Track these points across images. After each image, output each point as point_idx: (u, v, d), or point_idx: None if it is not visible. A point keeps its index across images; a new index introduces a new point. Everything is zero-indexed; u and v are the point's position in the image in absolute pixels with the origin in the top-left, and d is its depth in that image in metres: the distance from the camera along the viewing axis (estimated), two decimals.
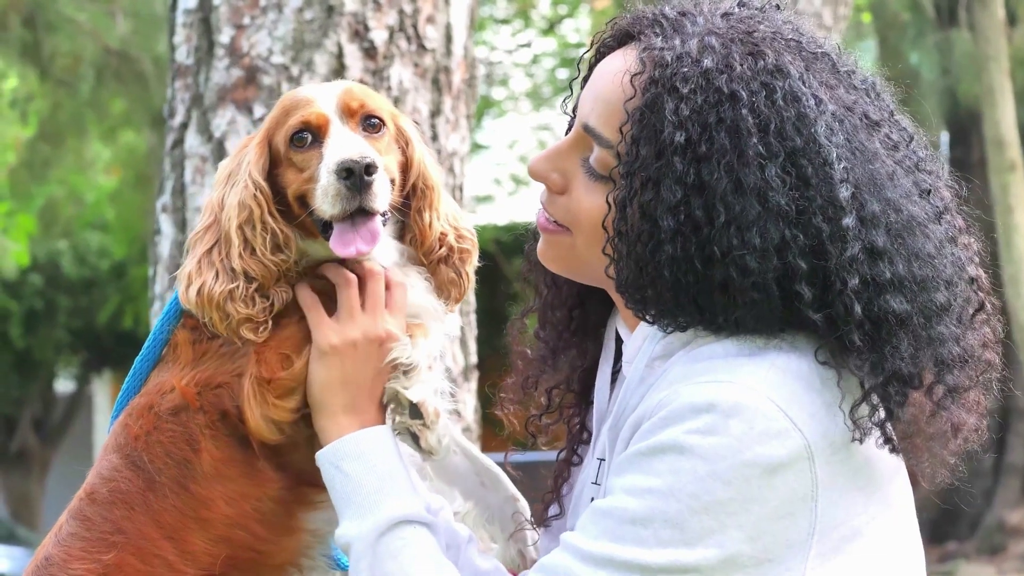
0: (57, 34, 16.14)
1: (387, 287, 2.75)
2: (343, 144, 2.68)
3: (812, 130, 2.38)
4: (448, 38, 5.27)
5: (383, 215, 2.70)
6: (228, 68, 5.12)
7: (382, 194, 2.67)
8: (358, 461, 2.58)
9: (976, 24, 16.83)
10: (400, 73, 5.12)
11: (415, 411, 2.66)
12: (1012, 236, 15.61)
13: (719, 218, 2.36)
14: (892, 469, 2.47)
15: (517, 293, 2.93)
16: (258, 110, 5.04)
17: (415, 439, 2.66)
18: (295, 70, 5.05)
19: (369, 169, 2.63)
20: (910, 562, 2.51)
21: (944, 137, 19.93)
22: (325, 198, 2.66)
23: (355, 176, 2.63)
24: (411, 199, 2.82)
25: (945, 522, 19.67)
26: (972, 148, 19.25)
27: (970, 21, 17.27)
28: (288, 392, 2.67)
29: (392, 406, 2.68)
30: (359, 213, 2.67)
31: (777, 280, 2.37)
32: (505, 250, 16.39)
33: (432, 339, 2.75)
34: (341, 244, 2.66)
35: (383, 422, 2.67)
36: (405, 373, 2.67)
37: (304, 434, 2.69)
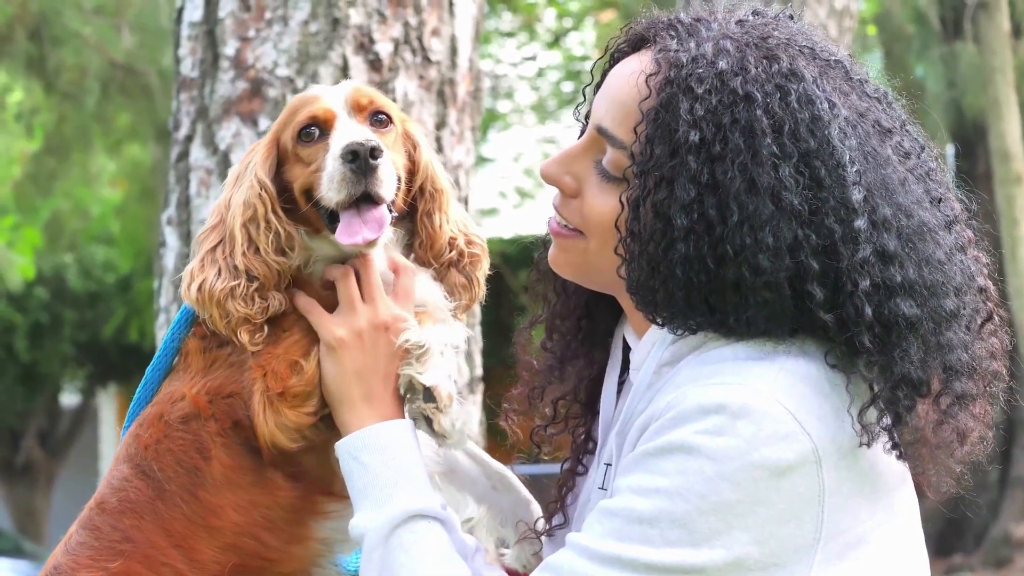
0: (62, 47, 16.16)
1: (395, 273, 2.77)
2: (349, 132, 2.70)
3: (826, 132, 2.39)
4: (453, 51, 5.28)
5: (389, 207, 2.71)
6: (233, 80, 5.13)
7: (387, 181, 2.69)
8: (377, 453, 2.59)
9: (981, 36, 16.86)
10: (405, 85, 5.12)
11: (428, 395, 2.67)
12: (1017, 248, 15.63)
13: (732, 217, 2.37)
14: (898, 478, 2.48)
15: (523, 305, 2.94)
16: (263, 122, 5.05)
17: (429, 423, 2.67)
18: (300, 82, 5.06)
19: (374, 152, 2.65)
20: (914, 572, 2.51)
21: (950, 149, 19.94)
22: (331, 184, 2.68)
23: (360, 159, 2.65)
24: (419, 203, 2.84)
25: (951, 535, 19.65)
26: (978, 160, 19.25)
27: (975, 33, 17.29)
28: (305, 397, 2.67)
29: (408, 395, 2.68)
30: (364, 200, 2.68)
31: (789, 280, 2.38)
32: (511, 263, 16.38)
33: (442, 327, 2.76)
34: (347, 233, 2.67)
35: (402, 412, 2.67)
36: (418, 358, 2.68)
37: (323, 436, 2.69)
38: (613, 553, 2.35)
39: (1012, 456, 19.18)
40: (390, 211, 2.73)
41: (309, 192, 2.74)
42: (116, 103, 17.05)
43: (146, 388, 2.82)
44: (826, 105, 2.41)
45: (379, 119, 2.79)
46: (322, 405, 2.69)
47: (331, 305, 2.73)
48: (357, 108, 2.76)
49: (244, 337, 2.69)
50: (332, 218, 2.72)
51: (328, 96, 2.78)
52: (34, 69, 16.51)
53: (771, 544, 2.32)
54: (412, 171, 2.84)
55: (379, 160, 2.66)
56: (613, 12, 20.77)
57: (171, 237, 5.28)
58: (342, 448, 2.62)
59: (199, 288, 2.72)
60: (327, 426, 2.69)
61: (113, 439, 26.52)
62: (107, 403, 27.26)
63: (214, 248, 2.76)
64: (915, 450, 2.45)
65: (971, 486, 2.59)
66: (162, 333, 5.33)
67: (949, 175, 2.59)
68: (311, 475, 2.73)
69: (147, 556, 2.65)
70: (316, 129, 2.75)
